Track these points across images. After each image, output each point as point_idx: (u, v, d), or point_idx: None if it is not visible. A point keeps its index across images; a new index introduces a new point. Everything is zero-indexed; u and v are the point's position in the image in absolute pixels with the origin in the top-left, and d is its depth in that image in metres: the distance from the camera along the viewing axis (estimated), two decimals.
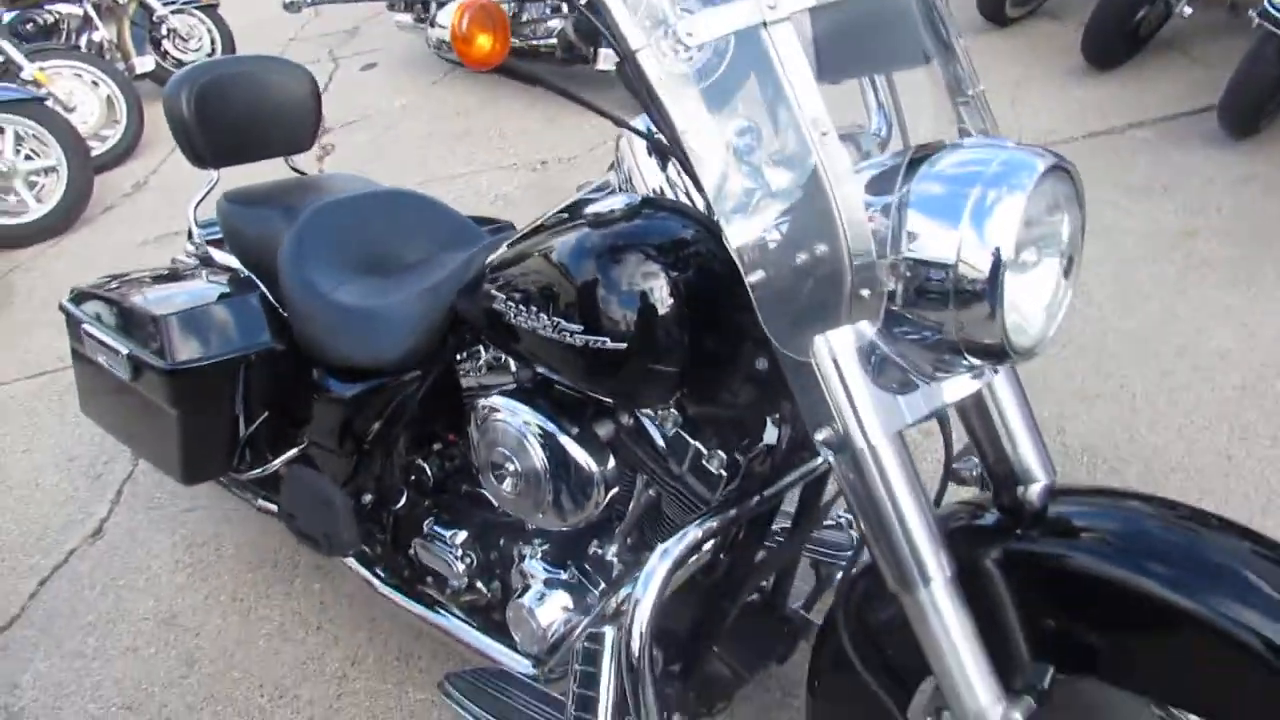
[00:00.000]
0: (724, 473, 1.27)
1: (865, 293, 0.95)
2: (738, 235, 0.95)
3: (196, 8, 6.20)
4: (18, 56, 4.83)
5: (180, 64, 5.89)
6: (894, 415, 0.99)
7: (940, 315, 0.96)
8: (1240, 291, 2.59)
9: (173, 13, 6.06)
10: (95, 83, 5.21)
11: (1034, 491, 1.12)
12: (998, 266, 0.91)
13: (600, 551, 1.45)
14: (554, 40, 4.62)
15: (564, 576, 1.47)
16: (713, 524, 1.15)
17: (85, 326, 1.88)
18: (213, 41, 6.32)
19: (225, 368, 1.72)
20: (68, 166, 4.47)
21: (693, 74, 0.97)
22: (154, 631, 2.16)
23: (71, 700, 2.02)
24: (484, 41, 0.94)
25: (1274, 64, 2.93)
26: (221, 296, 1.79)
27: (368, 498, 1.74)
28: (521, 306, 1.25)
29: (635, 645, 1.08)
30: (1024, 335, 0.98)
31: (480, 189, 4.22)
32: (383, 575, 1.75)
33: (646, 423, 1.33)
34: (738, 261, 0.95)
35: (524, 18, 4.76)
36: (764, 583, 1.57)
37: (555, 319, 1.20)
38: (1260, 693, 0.92)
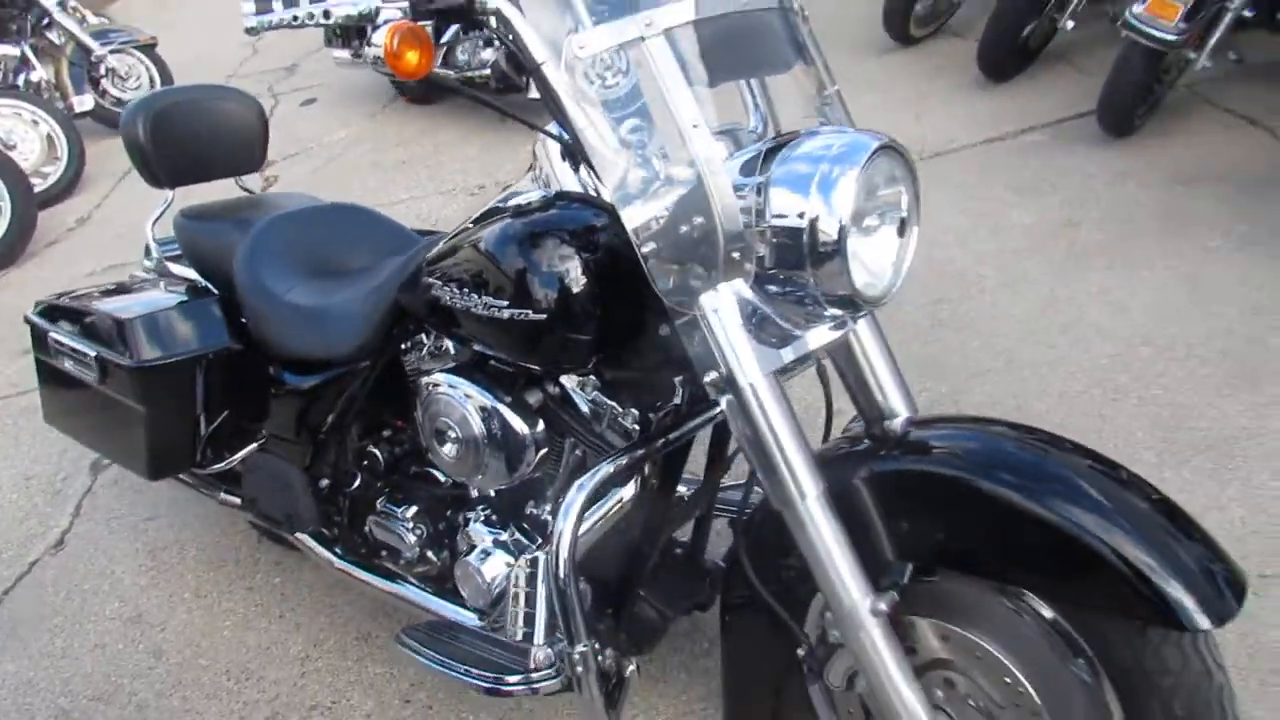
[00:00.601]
0: (637, 428, 1.46)
1: (736, 255, 1.16)
2: (632, 217, 1.15)
3: (135, 47, 6.30)
4: None
5: (120, 102, 5.97)
6: (770, 358, 1.20)
7: (801, 273, 1.17)
8: (1114, 274, 2.86)
9: (111, 52, 6.15)
10: (35, 121, 5.29)
11: (897, 422, 1.34)
12: (841, 229, 1.12)
13: (536, 512, 1.63)
14: (488, 71, 4.83)
15: (504, 537, 1.64)
16: (622, 461, 1.34)
17: (52, 334, 2.02)
18: (151, 80, 6.40)
19: (187, 366, 1.87)
20: (10, 202, 4.55)
21: (590, 85, 1.18)
22: (120, 630, 2.28)
23: (42, 696, 2.13)
24: (412, 56, 1.13)
25: (1139, 69, 3.23)
26: (181, 303, 1.94)
27: (324, 482, 1.89)
28: (456, 291, 1.43)
29: (561, 567, 1.26)
30: (872, 287, 1.19)
31: (421, 213, 4.39)
32: (340, 552, 1.90)
33: (570, 390, 1.52)
34: (632, 238, 1.14)
35: (459, 51, 4.96)
36: (684, 538, 1.76)
37: (485, 298, 1.39)
38: (1087, 575, 1.11)
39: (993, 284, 2.93)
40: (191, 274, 2.08)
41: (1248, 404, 2.27)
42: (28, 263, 4.67)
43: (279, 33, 5.47)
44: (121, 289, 2.13)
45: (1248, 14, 3.22)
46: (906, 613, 1.29)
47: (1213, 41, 3.27)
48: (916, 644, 1.31)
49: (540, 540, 1.61)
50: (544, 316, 1.33)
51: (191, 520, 2.57)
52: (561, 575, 1.26)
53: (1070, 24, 3.96)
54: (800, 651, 1.37)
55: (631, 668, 1.57)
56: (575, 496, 1.28)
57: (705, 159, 1.14)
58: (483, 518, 1.68)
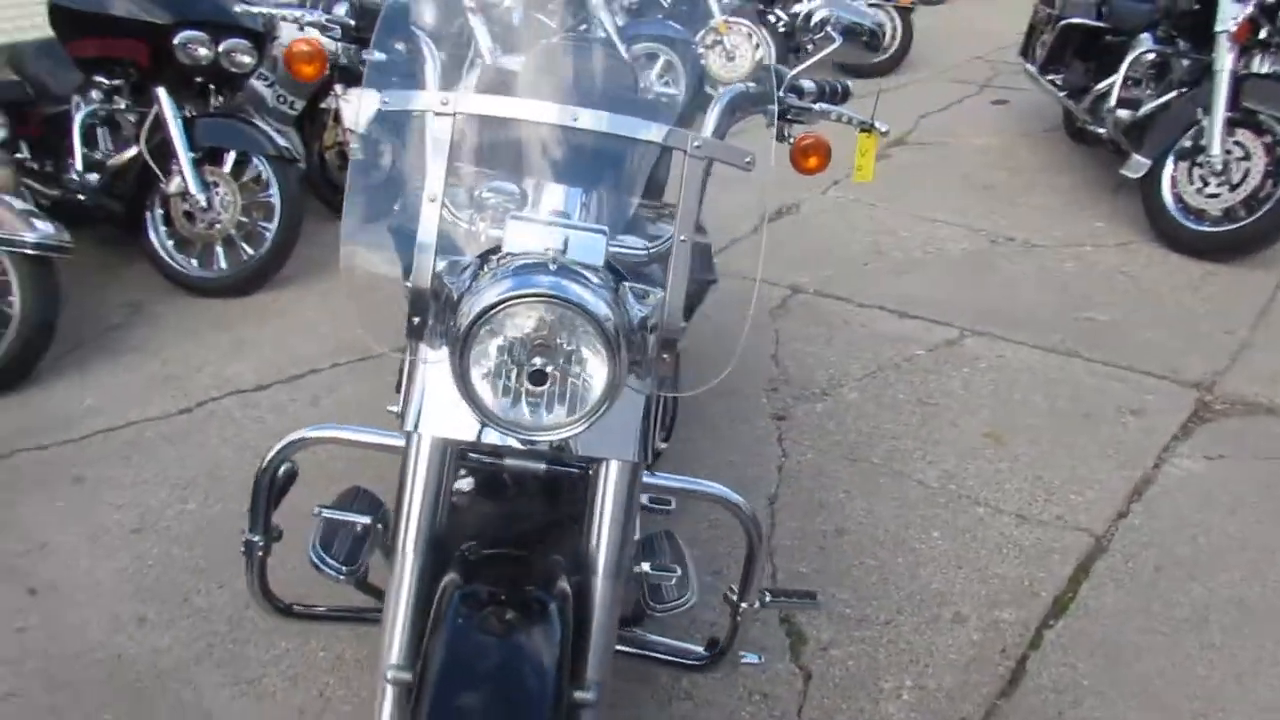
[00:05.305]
0: None
1: (416, 320, 1.27)
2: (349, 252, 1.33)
3: None
4: None
5: None
6: (447, 426, 1.29)
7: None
8: None
9: None
10: None
11: (566, 581, 1.30)
12: (465, 340, 1.14)
13: None
14: None
15: None
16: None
17: None
18: None
19: None
20: None
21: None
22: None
23: (240, 432, 2.92)
24: (308, 69, 1.47)
25: None
26: None
27: None
28: None
29: (264, 472, 1.47)
30: (498, 410, 1.18)
31: None
32: None
33: None
34: (343, 269, 1.33)
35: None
36: None
37: None
38: None
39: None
40: None
41: None
42: None
43: None
44: None
45: None
46: None
47: None
48: None
49: None
50: None
51: None
52: (257, 475, 1.47)
53: None
54: None
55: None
56: (300, 432, 1.47)
57: (424, 232, 1.22)
58: None
